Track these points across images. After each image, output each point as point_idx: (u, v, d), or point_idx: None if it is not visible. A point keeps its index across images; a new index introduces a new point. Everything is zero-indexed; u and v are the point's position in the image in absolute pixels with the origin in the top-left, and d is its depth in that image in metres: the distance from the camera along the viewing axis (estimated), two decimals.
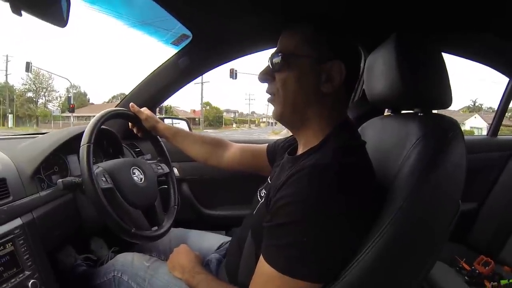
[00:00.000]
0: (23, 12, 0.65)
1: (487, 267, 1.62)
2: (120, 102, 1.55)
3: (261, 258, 0.62)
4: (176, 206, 1.17)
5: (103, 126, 1.01)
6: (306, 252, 0.57)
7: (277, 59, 0.72)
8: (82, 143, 0.92)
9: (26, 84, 41.58)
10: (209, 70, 1.49)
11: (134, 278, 0.97)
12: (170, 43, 1.34)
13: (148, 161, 1.18)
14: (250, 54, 1.43)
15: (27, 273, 0.85)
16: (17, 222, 0.88)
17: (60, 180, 0.93)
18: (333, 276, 0.61)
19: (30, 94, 41.63)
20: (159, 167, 1.18)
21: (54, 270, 0.96)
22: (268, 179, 0.89)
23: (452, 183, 0.68)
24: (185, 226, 1.27)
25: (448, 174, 0.65)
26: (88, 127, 0.95)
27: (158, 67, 1.47)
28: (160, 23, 1.24)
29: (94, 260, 1.16)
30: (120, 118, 1.19)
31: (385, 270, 0.62)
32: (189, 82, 1.52)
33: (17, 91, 41.13)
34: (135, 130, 1.24)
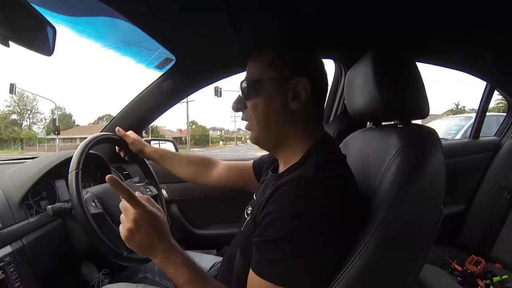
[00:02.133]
0: (10, 43, 0.67)
1: (478, 266, 1.64)
2: (106, 126, 1.55)
3: (252, 273, 0.62)
4: None
5: (90, 151, 1.02)
6: (297, 264, 0.59)
7: (244, 87, 0.76)
8: (70, 169, 0.92)
9: (10, 106, 40.61)
10: (193, 92, 1.51)
11: None
12: (154, 67, 1.36)
13: (136, 184, 1.18)
14: (234, 75, 1.45)
15: None
16: (7, 249, 0.87)
17: (50, 206, 0.94)
18: (323, 285, 0.62)
19: (14, 117, 40.66)
20: (148, 189, 1.19)
21: None
22: (254, 195, 0.91)
23: (433, 191, 0.70)
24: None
25: (428, 182, 0.68)
26: (75, 154, 0.96)
27: (143, 90, 1.48)
28: (144, 47, 1.25)
29: None
30: (106, 143, 1.19)
31: (373, 278, 0.64)
32: (174, 105, 1.53)
33: (0, 113, 40.17)
34: (122, 154, 1.25)
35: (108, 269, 1.29)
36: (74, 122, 48.03)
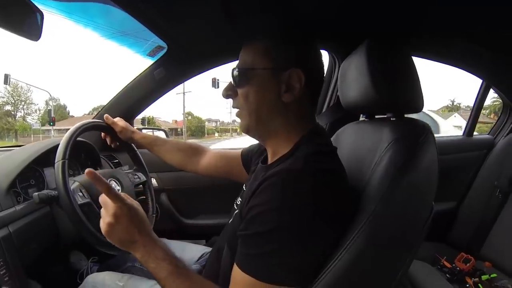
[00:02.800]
0: None
1: (467, 264, 1.65)
2: (97, 114, 1.53)
3: (236, 268, 0.61)
4: (154, 215, 1.17)
5: (79, 138, 1.00)
6: (284, 258, 0.58)
7: (236, 74, 0.74)
8: (56, 159, 0.92)
9: (4, 97, 39.47)
10: (184, 81, 1.51)
11: None
12: (146, 55, 1.34)
13: (125, 171, 1.17)
14: (225, 64, 1.44)
15: None
16: None
17: (36, 193, 0.92)
18: (310, 280, 0.61)
19: (8, 108, 39.45)
20: (136, 176, 1.18)
21: None
22: (243, 186, 0.90)
23: (425, 186, 0.70)
24: (165, 237, 1.25)
25: (420, 177, 0.67)
26: (62, 142, 0.95)
27: (134, 78, 1.46)
28: (137, 34, 1.23)
29: None
30: (94, 130, 1.18)
31: (360, 272, 0.63)
32: (165, 93, 1.52)
33: None
34: (108, 141, 1.25)
35: (97, 257, 1.29)
36: (68, 113, 47.14)
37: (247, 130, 0.77)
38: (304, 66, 0.71)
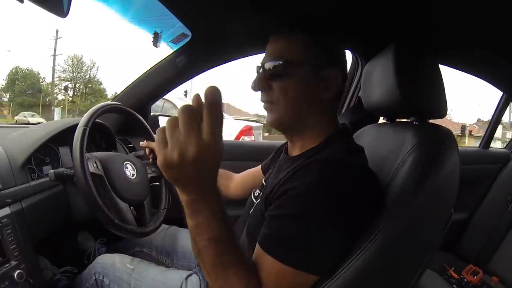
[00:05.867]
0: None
1: (475, 277, 1.63)
2: (115, 97, 1.53)
3: (258, 247, 0.61)
4: (165, 209, 1.16)
5: (98, 120, 1.01)
6: (310, 244, 0.57)
7: (275, 67, 0.70)
8: (79, 125, 0.92)
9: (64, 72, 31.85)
10: (206, 71, 1.47)
11: (117, 282, 0.95)
12: (169, 42, 1.33)
13: (143, 161, 1.16)
14: (249, 56, 1.41)
15: (13, 263, 0.84)
16: (5, 211, 0.86)
17: (52, 171, 0.92)
18: (329, 272, 0.60)
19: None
20: (153, 169, 1.17)
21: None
22: (263, 181, 0.89)
23: (446, 191, 0.69)
24: (178, 225, 1.26)
25: (441, 183, 0.66)
26: (87, 114, 0.96)
27: (155, 64, 1.45)
28: (161, 21, 1.22)
29: (74, 272, 1.13)
30: (114, 113, 1.18)
31: (376, 274, 0.63)
32: (186, 81, 1.51)
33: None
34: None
35: (105, 239, 1.29)
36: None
37: (279, 124, 0.73)
38: (341, 66, 0.72)
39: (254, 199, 0.84)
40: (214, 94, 0.46)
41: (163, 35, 1.32)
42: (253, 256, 0.62)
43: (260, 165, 1.12)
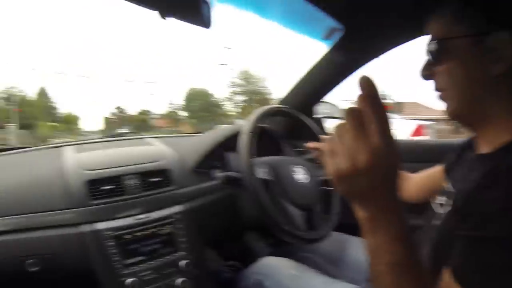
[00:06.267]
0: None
1: None
2: (281, 100, 1.56)
3: (448, 274, 0.48)
4: (337, 214, 1.07)
5: (263, 125, 1.04)
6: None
7: (433, 49, 0.62)
8: (244, 131, 0.98)
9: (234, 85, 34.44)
10: (366, 63, 1.34)
11: (277, 286, 0.92)
12: (321, 38, 1.24)
13: (313, 164, 1.13)
14: (407, 42, 1.23)
15: (181, 253, 0.95)
16: (178, 208, 0.99)
17: (221, 174, 1.00)
18: None
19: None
20: (324, 171, 1.11)
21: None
22: (448, 186, 0.71)
23: None
24: (348, 232, 1.16)
25: None
26: (250, 119, 1.02)
27: (315, 64, 1.40)
28: (307, 19, 1.14)
29: (238, 267, 1.18)
30: (279, 116, 1.20)
31: None
32: (346, 78, 1.40)
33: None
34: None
35: (272, 239, 1.31)
36: None
37: (456, 115, 0.64)
38: (509, 27, 0.55)
39: (438, 209, 0.69)
40: (369, 85, 0.42)
41: (313, 33, 1.24)
42: (441, 285, 0.49)
43: (438, 166, 0.94)
